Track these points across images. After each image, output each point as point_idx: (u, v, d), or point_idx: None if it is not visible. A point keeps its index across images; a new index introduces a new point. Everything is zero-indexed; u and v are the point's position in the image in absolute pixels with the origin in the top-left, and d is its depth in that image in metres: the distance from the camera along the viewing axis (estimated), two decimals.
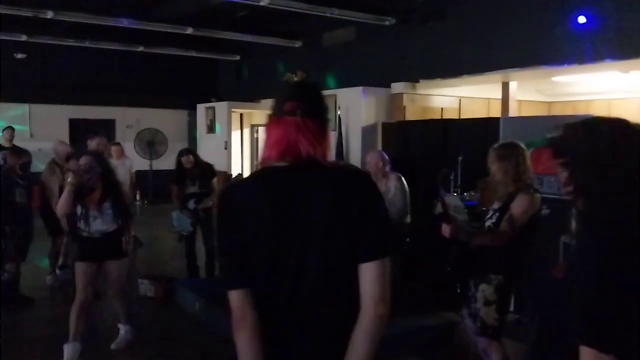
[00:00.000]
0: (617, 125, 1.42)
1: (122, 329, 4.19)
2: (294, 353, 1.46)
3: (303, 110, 1.47)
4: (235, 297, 1.45)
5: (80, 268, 3.87)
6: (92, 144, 5.58)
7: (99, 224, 3.84)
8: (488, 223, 3.22)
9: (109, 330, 4.31)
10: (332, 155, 1.66)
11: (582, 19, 6.01)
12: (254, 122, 12.32)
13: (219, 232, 1.53)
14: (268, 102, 8.49)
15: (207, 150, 11.44)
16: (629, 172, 1.34)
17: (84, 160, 3.89)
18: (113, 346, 4.11)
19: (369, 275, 1.42)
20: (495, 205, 3.22)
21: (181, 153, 5.79)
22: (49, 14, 7.95)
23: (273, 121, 1.52)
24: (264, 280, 1.44)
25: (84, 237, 3.84)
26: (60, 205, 3.79)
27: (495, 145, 3.26)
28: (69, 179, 3.76)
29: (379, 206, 1.51)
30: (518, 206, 3.03)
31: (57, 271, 5.79)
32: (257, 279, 1.44)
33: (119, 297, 4.16)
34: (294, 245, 1.43)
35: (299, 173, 1.46)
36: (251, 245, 1.44)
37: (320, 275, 1.44)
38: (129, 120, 12.54)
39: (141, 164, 11.83)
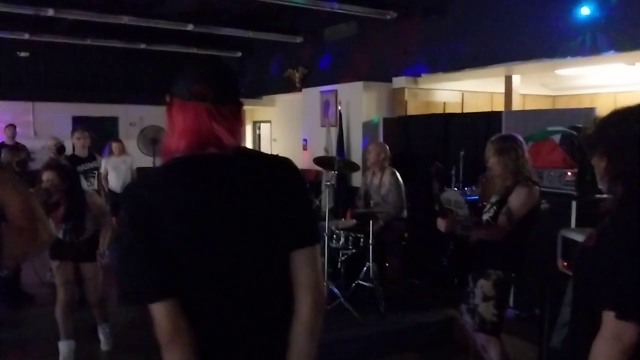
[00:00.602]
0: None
1: (101, 332, 4.11)
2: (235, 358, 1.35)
3: (215, 96, 1.32)
4: (162, 310, 1.28)
5: (54, 265, 3.85)
6: (74, 138, 5.35)
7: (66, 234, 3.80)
8: (486, 217, 3.18)
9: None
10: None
11: (585, 11, 5.93)
12: (256, 119, 12.29)
13: (129, 236, 1.32)
14: (270, 98, 8.58)
15: None
16: None
17: (46, 177, 3.62)
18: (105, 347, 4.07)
19: (301, 262, 1.35)
20: (493, 199, 3.17)
21: None
22: (50, 12, 7.95)
23: (177, 105, 1.34)
24: (193, 285, 1.29)
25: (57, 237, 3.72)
26: None
27: (493, 138, 3.20)
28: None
29: (307, 195, 1.46)
30: (516, 199, 2.98)
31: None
32: (185, 285, 1.28)
33: (97, 304, 4.06)
34: (223, 244, 1.31)
35: (219, 162, 1.33)
36: (174, 247, 1.27)
37: (257, 275, 1.33)
38: (132, 118, 12.53)
39: (145, 161, 11.84)
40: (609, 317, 1.33)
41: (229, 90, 1.37)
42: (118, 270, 1.48)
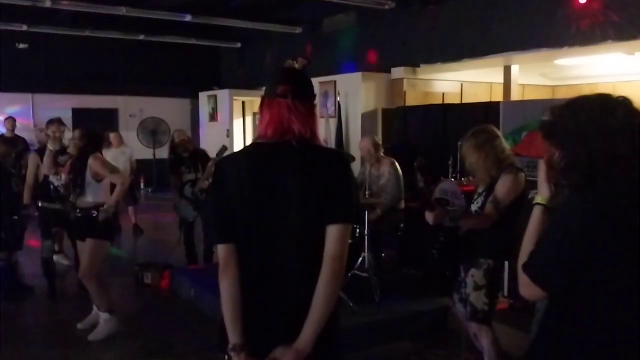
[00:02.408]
0: (600, 100, 1.47)
1: (100, 316, 4.12)
2: (267, 302, 1.70)
3: (293, 94, 1.67)
4: (221, 250, 1.70)
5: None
6: (48, 131, 4.89)
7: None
8: (474, 207, 3.17)
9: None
10: (321, 135, 1.80)
11: (583, 0, 5.89)
12: (256, 110, 12.27)
13: (211, 196, 1.82)
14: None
15: (209, 138, 11.45)
16: (612, 144, 1.39)
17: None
18: (90, 337, 4.03)
19: (331, 235, 1.65)
20: (480, 189, 3.16)
21: (172, 135, 5.93)
22: (47, 3, 7.94)
23: (266, 103, 1.72)
24: (246, 239, 1.69)
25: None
26: None
27: (467, 136, 3.16)
28: None
29: (349, 181, 1.74)
30: (502, 186, 2.97)
31: (54, 257, 5.83)
32: (240, 237, 1.69)
33: (85, 279, 4.13)
34: (271, 211, 1.67)
35: (281, 149, 1.68)
36: (236, 208, 1.68)
37: (292, 238, 1.67)
38: (132, 109, 12.57)
39: (144, 152, 11.87)
40: (523, 274, 1.51)
41: (304, 91, 1.72)
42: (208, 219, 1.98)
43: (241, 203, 1.67)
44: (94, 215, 4.03)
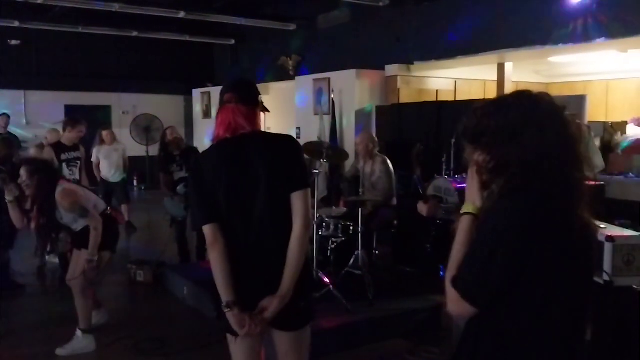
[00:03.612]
0: (525, 95, 1.42)
1: (77, 332, 3.89)
2: (251, 265, 2.04)
3: (237, 99, 2.08)
4: (208, 230, 2.02)
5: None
6: None
7: None
8: None
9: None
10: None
11: None
12: None
13: (192, 187, 2.17)
14: (264, 86, 8.50)
15: (203, 135, 11.41)
16: (543, 137, 1.34)
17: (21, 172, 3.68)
18: (57, 351, 3.81)
19: (297, 199, 2.03)
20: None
21: (164, 132, 5.87)
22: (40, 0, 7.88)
23: (219, 110, 2.11)
24: (227, 215, 2.03)
25: None
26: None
27: None
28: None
29: (301, 156, 2.18)
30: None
31: (47, 257, 5.80)
32: (222, 215, 2.02)
33: (71, 285, 3.87)
34: (246, 187, 2.02)
35: (243, 140, 2.06)
36: (215, 192, 2.02)
37: (265, 208, 2.02)
38: (125, 106, 12.50)
39: (138, 149, 11.82)
40: (451, 289, 1.38)
41: (245, 95, 2.11)
42: (191, 206, 2.34)
43: (219, 187, 2.01)
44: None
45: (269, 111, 2.19)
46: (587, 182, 1.41)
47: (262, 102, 2.17)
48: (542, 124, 1.35)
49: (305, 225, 2.04)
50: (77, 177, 5.46)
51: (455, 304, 1.38)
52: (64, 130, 5.61)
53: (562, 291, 1.36)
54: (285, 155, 2.09)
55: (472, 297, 1.36)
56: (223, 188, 2.01)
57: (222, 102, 2.10)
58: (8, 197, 3.69)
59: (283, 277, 2.01)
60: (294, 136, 8.79)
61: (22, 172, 3.60)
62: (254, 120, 2.10)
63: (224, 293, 2.00)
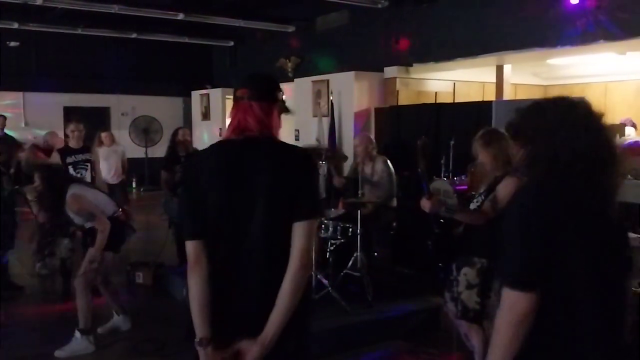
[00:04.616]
0: (563, 100, 1.56)
1: (75, 333, 3.92)
2: (234, 296, 1.74)
3: (250, 95, 1.77)
4: (191, 247, 1.74)
5: None
6: None
7: None
8: (473, 206, 3.19)
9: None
10: (279, 132, 1.85)
11: (575, 0, 5.91)
12: None
13: (184, 190, 1.87)
14: None
15: (202, 137, 11.42)
16: (575, 139, 1.45)
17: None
18: (56, 352, 3.82)
19: (298, 231, 1.70)
20: (482, 189, 3.18)
21: (176, 131, 5.89)
22: (38, 1, 7.88)
23: (233, 106, 1.83)
24: (215, 235, 1.73)
25: None
26: None
27: (479, 134, 3.20)
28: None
29: (313, 178, 1.82)
30: (504, 188, 2.98)
31: (46, 259, 5.79)
32: (210, 233, 1.73)
33: (77, 285, 3.94)
34: (240, 205, 1.71)
35: (247, 144, 1.75)
36: (206, 204, 1.72)
37: (260, 235, 1.71)
38: (124, 108, 12.49)
39: (137, 151, 11.81)
40: (504, 290, 1.42)
41: (261, 92, 1.79)
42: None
43: (211, 199, 1.72)
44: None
45: (290, 112, 1.92)
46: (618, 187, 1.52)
47: (283, 100, 1.85)
48: (576, 126, 1.47)
49: (303, 265, 1.70)
50: (89, 179, 5.39)
51: (515, 302, 1.38)
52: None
53: (598, 283, 1.42)
54: (295, 173, 1.73)
55: (523, 281, 1.39)
56: (215, 200, 1.71)
57: (235, 99, 1.82)
58: (29, 196, 4.27)
59: (269, 320, 1.68)
60: (293, 138, 8.87)
61: (35, 177, 3.89)
62: (267, 122, 1.77)
63: (199, 327, 1.72)
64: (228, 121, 1.88)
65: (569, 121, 1.48)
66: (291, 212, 1.70)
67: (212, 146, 1.85)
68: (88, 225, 3.92)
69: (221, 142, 1.84)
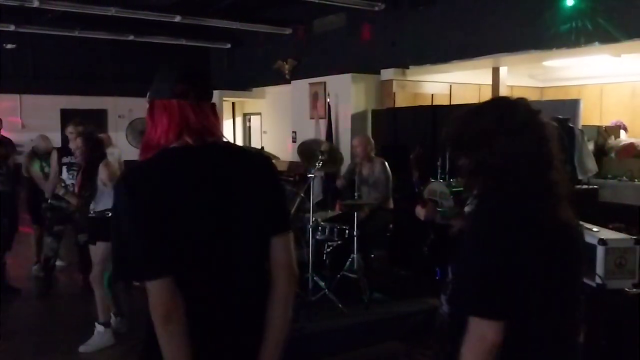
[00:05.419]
0: (501, 102, 1.50)
1: (96, 327, 4.03)
2: (218, 339, 1.45)
3: (196, 94, 1.46)
4: (162, 287, 1.34)
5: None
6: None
7: None
8: (467, 209, 3.19)
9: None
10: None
11: (570, 1, 5.94)
12: (246, 111, 12.27)
13: (132, 217, 1.38)
14: (260, 90, 8.49)
15: None
16: (517, 142, 1.38)
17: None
18: (81, 348, 3.94)
19: (280, 246, 1.51)
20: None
21: None
22: (35, 3, 7.86)
23: (158, 105, 1.46)
24: (188, 266, 1.38)
25: None
26: None
27: None
28: None
29: (281, 186, 1.64)
30: None
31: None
32: (181, 264, 1.37)
33: (94, 283, 4.06)
34: (219, 225, 1.43)
35: (213, 153, 1.47)
36: (174, 228, 1.37)
37: (243, 257, 1.47)
38: (121, 110, 12.48)
39: (134, 154, 11.77)
40: (472, 319, 1.32)
41: (205, 89, 1.51)
42: (115, 248, 1.53)
43: (183, 223, 1.38)
44: (108, 216, 3.88)
45: (217, 117, 1.56)
46: (567, 183, 1.45)
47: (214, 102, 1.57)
48: (515, 129, 1.39)
49: (292, 282, 1.53)
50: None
51: (485, 336, 1.29)
52: None
53: (552, 291, 1.37)
54: (267, 182, 1.52)
55: (484, 309, 1.30)
56: (189, 223, 1.38)
57: (169, 95, 1.44)
58: (59, 192, 4.57)
59: (261, 352, 1.47)
60: (291, 140, 8.88)
61: (79, 141, 4.28)
62: (218, 125, 1.52)
63: None
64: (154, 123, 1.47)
65: (507, 125, 1.39)
66: (268, 225, 1.49)
67: (164, 156, 1.44)
68: (98, 205, 4.02)
69: (176, 150, 1.44)
